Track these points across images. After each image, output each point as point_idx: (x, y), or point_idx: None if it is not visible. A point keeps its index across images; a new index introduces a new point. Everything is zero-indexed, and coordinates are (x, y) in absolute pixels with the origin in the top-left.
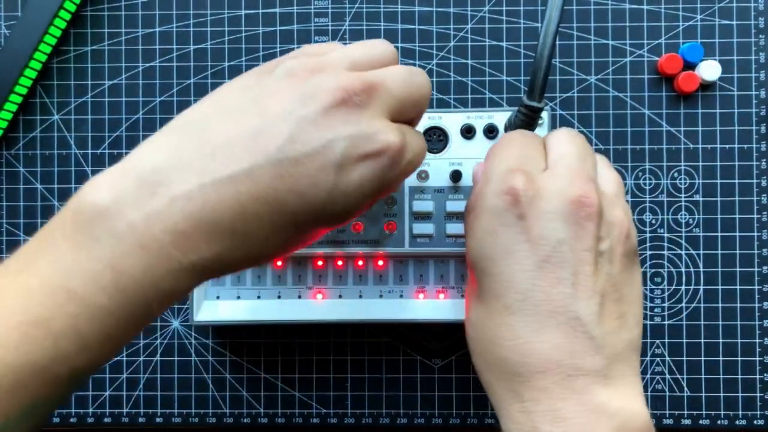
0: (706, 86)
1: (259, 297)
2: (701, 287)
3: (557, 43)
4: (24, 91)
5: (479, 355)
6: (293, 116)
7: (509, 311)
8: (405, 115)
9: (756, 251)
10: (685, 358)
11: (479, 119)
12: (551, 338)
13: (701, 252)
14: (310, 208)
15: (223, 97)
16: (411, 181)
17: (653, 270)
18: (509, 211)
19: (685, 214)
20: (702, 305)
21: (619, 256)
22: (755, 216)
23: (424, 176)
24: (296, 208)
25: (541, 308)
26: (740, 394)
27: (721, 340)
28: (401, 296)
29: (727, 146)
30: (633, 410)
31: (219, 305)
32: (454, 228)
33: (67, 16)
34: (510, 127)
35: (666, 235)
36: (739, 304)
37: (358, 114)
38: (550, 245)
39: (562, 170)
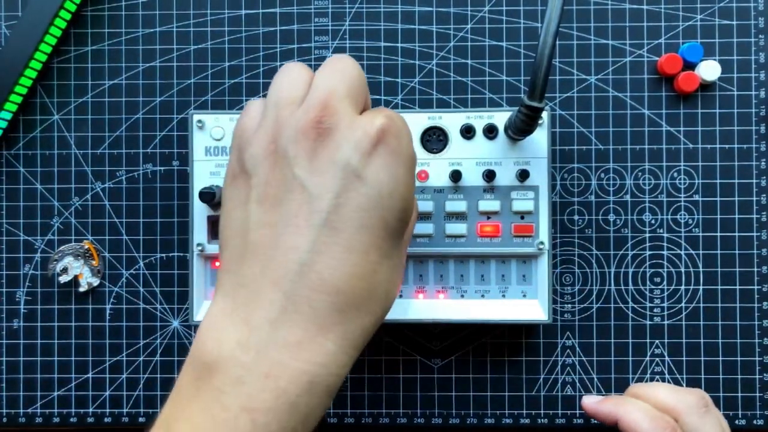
0: (705, 86)
1: None
2: (701, 287)
3: (557, 43)
4: (24, 91)
5: None
6: (303, 212)
7: None
8: (362, 100)
9: (755, 251)
10: (684, 358)
11: (479, 119)
12: None
13: (701, 252)
14: (378, 222)
15: (231, 236)
16: None
17: (653, 270)
18: None
19: (684, 214)
20: (701, 305)
21: None
22: (755, 216)
23: (423, 176)
24: (374, 232)
25: None
26: (740, 394)
27: (720, 340)
28: (401, 296)
29: (726, 146)
30: None
31: None
32: (454, 228)
33: (67, 16)
34: (510, 126)
35: (665, 235)
36: (738, 304)
37: (336, 130)
38: None
39: None
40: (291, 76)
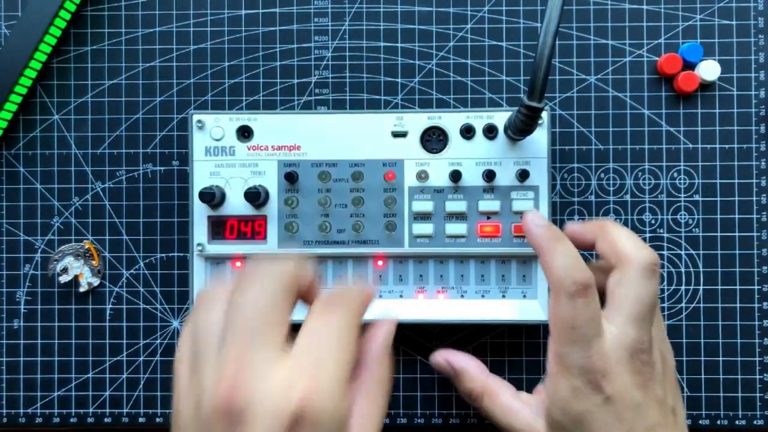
0: (705, 86)
1: None
2: (701, 287)
3: (557, 43)
4: (24, 91)
5: None
6: None
7: None
8: (285, 315)
9: (755, 251)
10: (684, 358)
11: (479, 119)
12: None
13: (701, 252)
14: None
15: None
16: (411, 181)
17: None
18: (595, 397)
19: (684, 214)
20: (702, 305)
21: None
22: (755, 216)
23: (423, 176)
24: None
25: None
26: (740, 394)
27: (720, 340)
28: (401, 296)
29: (726, 146)
30: None
31: None
32: (454, 228)
33: (67, 16)
34: (510, 126)
35: (665, 235)
36: (738, 304)
37: (246, 413)
38: (633, 414)
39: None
40: (206, 313)
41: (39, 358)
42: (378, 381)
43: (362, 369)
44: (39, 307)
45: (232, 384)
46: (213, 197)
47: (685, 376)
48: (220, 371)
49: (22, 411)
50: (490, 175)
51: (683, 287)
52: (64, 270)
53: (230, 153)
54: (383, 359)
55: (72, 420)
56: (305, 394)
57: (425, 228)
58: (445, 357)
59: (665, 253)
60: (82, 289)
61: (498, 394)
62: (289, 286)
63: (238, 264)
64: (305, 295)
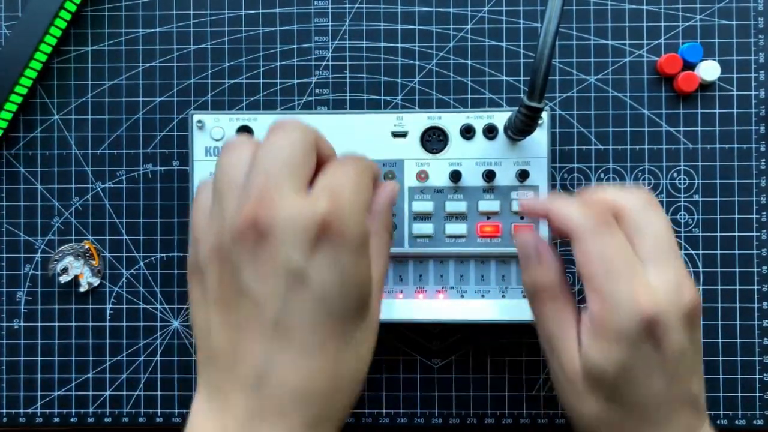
0: (705, 86)
1: None
2: (701, 287)
3: (557, 43)
4: (24, 91)
5: None
6: (252, 319)
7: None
8: (308, 169)
9: (755, 251)
10: None
11: (479, 119)
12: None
13: (700, 252)
14: (330, 319)
15: (198, 334)
16: (410, 181)
17: None
18: (644, 338)
19: (684, 214)
20: (701, 305)
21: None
22: (754, 216)
23: (423, 176)
24: (334, 324)
25: (674, 404)
26: (740, 394)
27: (720, 340)
28: (401, 296)
29: (726, 146)
30: None
31: None
32: (454, 228)
33: (67, 16)
34: (510, 127)
35: None
36: (738, 304)
37: (274, 227)
38: (678, 361)
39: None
40: (231, 157)
41: (39, 358)
42: (384, 222)
43: (371, 214)
44: (39, 307)
45: (257, 204)
46: None
47: None
48: (244, 200)
49: (22, 411)
50: (490, 175)
51: None
52: (64, 270)
53: None
54: (389, 208)
55: (72, 420)
56: (329, 209)
57: (425, 228)
58: (537, 239)
59: None
60: (82, 289)
61: (564, 307)
62: (314, 141)
63: None
64: (322, 162)
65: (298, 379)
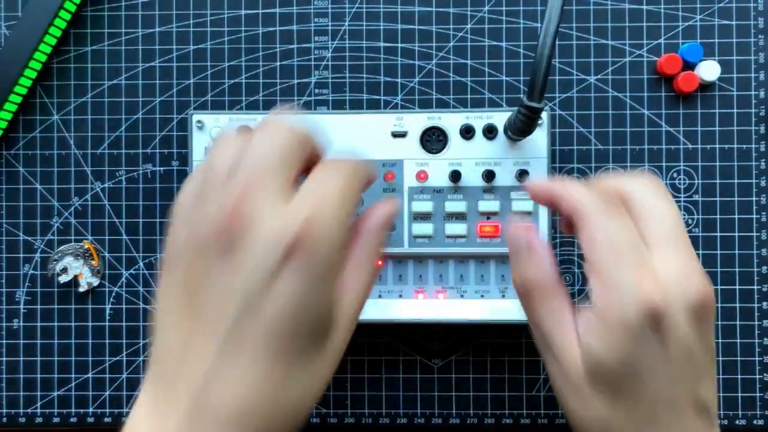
0: (705, 86)
1: None
2: None
3: (557, 43)
4: (24, 91)
5: None
6: (210, 318)
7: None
8: (295, 167)
9: (755, 251)
10: None
11: (478, 119)
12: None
13: (700, 252)
14: (286, 340)
15: (158, 321)
16: (410, 181)
17: None
18: (649, 330)
19: (684, 215)
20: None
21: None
22: (754, 216)
23: (423, 176)
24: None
25: (678, 406)
26: (740, 394)
27: (720, 341)
28: (400, 296)
29: (726, 146)
30: None
31: None
32: (454, 228)
33: (67, 16)
34: (510, 127)
35: None
36: (738, 304)
37: (249, 231)
38: (683, 359)
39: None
40: (221, 149)
41: (39, 358)
42: (369, 250)
43: (357, 237)
44: (39, 307)
45: (235, 207)
46: None
47: None
48: (225, 199)
49: (22, 411)
50: (489, 176)
51: None
52: (64, 270)
53: None
54: (379, 232)
55: (72, 420)
56: (304, 225)
57: (425, 228)
58: (527, 230)
59: None
60: (81, 289)
61: (560, 304)
62: (306, 139)
63: None
64: (312, 162)
65: (239, 398)
